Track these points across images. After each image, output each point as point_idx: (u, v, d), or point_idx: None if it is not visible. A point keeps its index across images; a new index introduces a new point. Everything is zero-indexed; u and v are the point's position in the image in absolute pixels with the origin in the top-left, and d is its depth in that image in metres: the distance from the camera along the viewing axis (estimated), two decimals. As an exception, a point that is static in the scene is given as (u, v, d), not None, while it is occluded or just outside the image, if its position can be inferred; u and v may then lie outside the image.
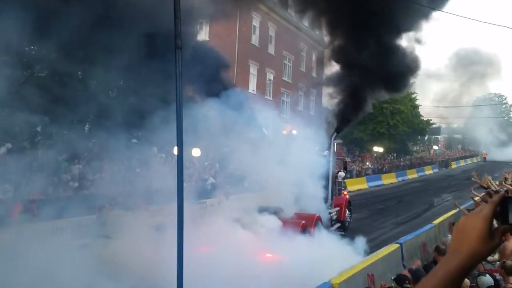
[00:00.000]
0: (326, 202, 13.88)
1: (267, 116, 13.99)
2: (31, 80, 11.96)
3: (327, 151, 14.52)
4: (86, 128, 13.60)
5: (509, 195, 1.28)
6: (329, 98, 16.79)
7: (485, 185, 13.72)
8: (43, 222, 10.37)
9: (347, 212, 16.48)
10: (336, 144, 15.13)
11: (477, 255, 1.21)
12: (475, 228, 1.21)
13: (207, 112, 11.57)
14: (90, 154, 13.99)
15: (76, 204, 10.81)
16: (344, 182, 18.43)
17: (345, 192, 17.93)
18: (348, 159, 27.55)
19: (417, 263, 8.00)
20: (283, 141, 14.12)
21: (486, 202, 10.37)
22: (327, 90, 19.56)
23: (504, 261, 5.78)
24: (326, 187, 13.86)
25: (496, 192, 11.19)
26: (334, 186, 15.10)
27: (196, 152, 17.39)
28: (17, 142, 13.12)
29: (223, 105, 11.55)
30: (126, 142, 12.09)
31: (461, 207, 13.32)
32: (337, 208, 15.26)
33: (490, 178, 14.45)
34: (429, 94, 70.12)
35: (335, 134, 15.03)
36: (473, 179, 15.13)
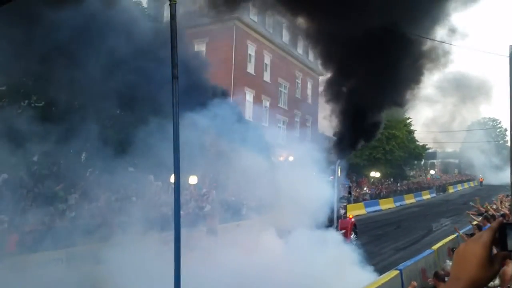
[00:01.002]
0: (331, 225, 14.17)
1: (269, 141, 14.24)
2: (28, 111, 12.00)
3: (332, 177, 14.80)
4: (82, 157, 13.59)
5: (507, 221, 1.29)
6: (329, 124, 17.00)
7: (483, 210, 13.73)
8: (39, 253, 10.27)
9: (353, 234, 16.99)
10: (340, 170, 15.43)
11: (478, 282, 1.23)
12: (475, 255, 1.23)
13: (208, 138, 11.68)
14: (86, 184, 13.93)
15: (72, 234, 10.73)
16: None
17: (351, 216, 18.50)
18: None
19: (413, 285, 7.95)
20: (289, 166, 14.28)
21: (480, 226, 10.36)
22: (324, 117, 19.80)
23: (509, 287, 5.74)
24: (331, 211, 14.23)
25: (493, 216, 11.17)
26: (339, 209, 15.49)
27: (192, 179, 17.35)
28: (13, 172, 13.05)
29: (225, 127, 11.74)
30: (123, 170, 12.07)
31: (461, 232, 13.27)
32: (343, 231, 15.53)
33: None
34: (420, 119, 70.67)
35: (339, 161, 15.32)
36: (471, 203, 15.17)
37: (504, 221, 1.28)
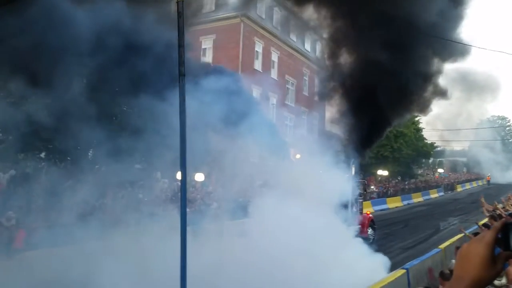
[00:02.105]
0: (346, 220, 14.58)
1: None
2: (35, 106, 12.05)
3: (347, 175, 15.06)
4: (89, 154, 13.64)
5: (511, 221, 1.28)
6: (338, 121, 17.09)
7: (490, 209, 13.62)
8: (46, 249, 10.32)
9: (370, 229, 17.92)
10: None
11: (480, 282, 1.23)
12: (478, 255, 1.23)
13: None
14: (93, 180, 13.99)
15: (79, 230, 10.76)
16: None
17: (368, 212, 19.82)
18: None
19: None
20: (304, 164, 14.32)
21: (488, 226, 10.29)
22: (330, 120, 19.92)
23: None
24: (346, 207, 14.78)
25: (499, 216, 11.09)
26: (356, 206, 16.40)
27: (199, 177, 17.39)
28: (21, 169, 13.15)
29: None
30: (130, 167, 12.11)
31: (467, 232, 13.20)
32: (359, 226, 16.34)
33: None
34: (424, 116, 70.03)
35: (353, 160, 15.55)
36: (482, 200, 15.10)
37: (508, 222, 1.27)
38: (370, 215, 19.07)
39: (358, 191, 17.27)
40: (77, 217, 12.66)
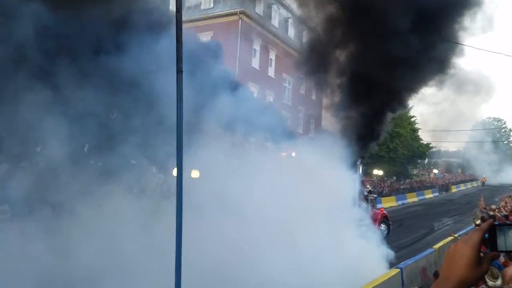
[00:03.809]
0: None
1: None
2: (31, 99, 12.00)
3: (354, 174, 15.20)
4: (85, 149, 13.59)
5: (497, 222, 1.29)
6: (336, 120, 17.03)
7: (486, 209, 13.73)
8: (38, 245, 10.27)
9: (382, 225, 18.25)
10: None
11: (466, 282, 1.23)
12: (464, 256, 1.23)
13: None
14: (88, 176, 13.93)
15: (75, 227, 10.73)
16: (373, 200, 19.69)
17: (382, 208, 20.50)
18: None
19: None
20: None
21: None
22: (328, 114, 19.84)
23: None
24: (354, 204, 14.85)
25: (492, 217, 11.18)
26: (366, 203, 16.79)
27: (195, 174, 17.31)
28: (15, 163, 13.07)
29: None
30: (125, 162, 12.07)
31: (458, 235, 13.32)
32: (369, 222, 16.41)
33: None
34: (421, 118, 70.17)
35: (359, 159, 15.62)
36: (479, 202, 15.28)
37: (494, 223, 1.28)
38: (384, 212, 19.53)
39: (364, 188, 17.77)
40: (70, 214, 12.65)
